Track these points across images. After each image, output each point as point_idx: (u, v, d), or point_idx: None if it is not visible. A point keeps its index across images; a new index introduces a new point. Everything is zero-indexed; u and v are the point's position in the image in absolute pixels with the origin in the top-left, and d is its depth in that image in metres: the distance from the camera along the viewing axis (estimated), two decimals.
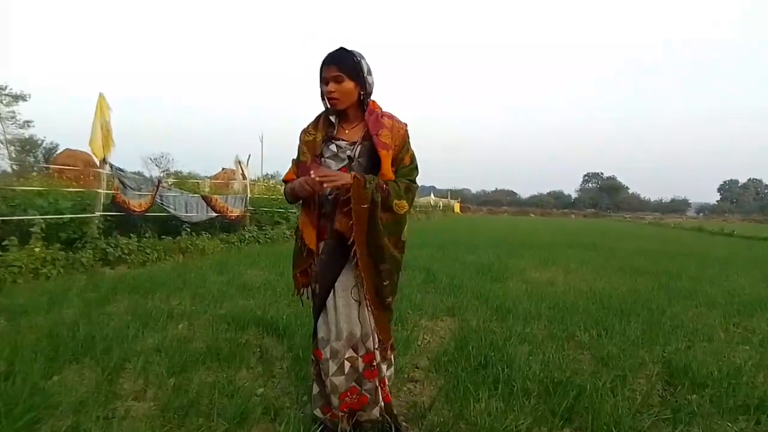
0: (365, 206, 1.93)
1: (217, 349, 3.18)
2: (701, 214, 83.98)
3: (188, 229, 8.92)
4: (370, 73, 2.06)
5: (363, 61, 2.03)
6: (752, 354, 3.58)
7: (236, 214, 10.62)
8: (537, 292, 5.67)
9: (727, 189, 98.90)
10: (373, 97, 2.13)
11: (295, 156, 2.19)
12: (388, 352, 2.24)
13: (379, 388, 2.09)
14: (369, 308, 2.03)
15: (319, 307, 2.08)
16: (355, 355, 2.03)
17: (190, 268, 6.52)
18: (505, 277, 6.70)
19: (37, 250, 5.78)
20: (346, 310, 2.04)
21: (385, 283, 2.05)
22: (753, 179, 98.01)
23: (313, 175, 1.91)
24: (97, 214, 7.19)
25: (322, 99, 2.08)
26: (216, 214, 9.96)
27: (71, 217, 7.03)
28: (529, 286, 6.11)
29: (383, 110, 2.13)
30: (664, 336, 3.94)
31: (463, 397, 2.59)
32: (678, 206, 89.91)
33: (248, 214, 11.21)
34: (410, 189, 2.08)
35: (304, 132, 2.16)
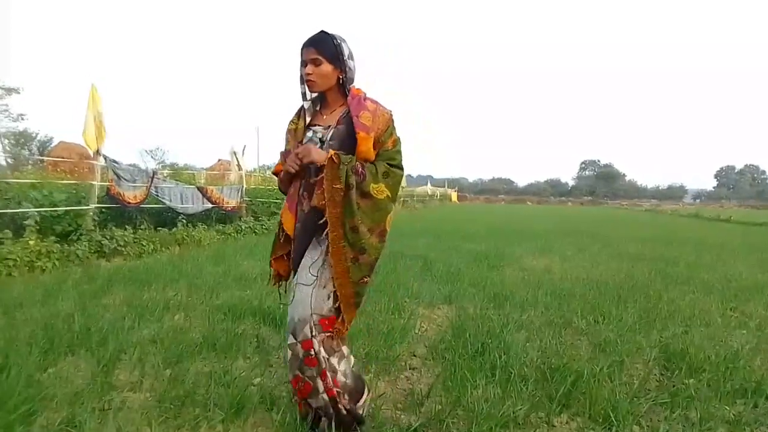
0: (338, 186, 1.89)
1: (214, 340, 3.17)
2: (698, 201, 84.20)
3: (184, 221, 8.90)
4: (351, 57, 2.02)
5: (344, 45, 1.99)
6: (749, 338, 3.59)
7: (232, 205, 10.58)
8: (534, 279, 5.68)
9: (724, 175, 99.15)
10: (359, 86, 2.10)
11: (283, 148, 2.18)
12: (336, 343, 1.98)
13: (319, 379, 1.91)
14: (334, 295, 1.95)
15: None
16: (295, 341, 1.91)
17: (186, 259, 6.49)
18: (502, 265, 6.70)
19: (31, 242, 5.74)
20: (298, 293, 1.96)
21: (365, 279, 1.98)
22: (750, 165, 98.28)
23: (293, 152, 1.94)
24: (92, 206, 7.14)
25: (301, 83, 2.04)
26: (212, 206, 9.93)
27: (66, 210, 7.00)
28: (526, 273, 6.12)
29: (367, 96, 2.08)
30: (661, 321, 3.95)
31: (460, 384, 2.58)
32: (675, 193, 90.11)
33: (244, 204, 11.17)
34: (390, 173, 2.01)
35: (289, 122, 2.16)
